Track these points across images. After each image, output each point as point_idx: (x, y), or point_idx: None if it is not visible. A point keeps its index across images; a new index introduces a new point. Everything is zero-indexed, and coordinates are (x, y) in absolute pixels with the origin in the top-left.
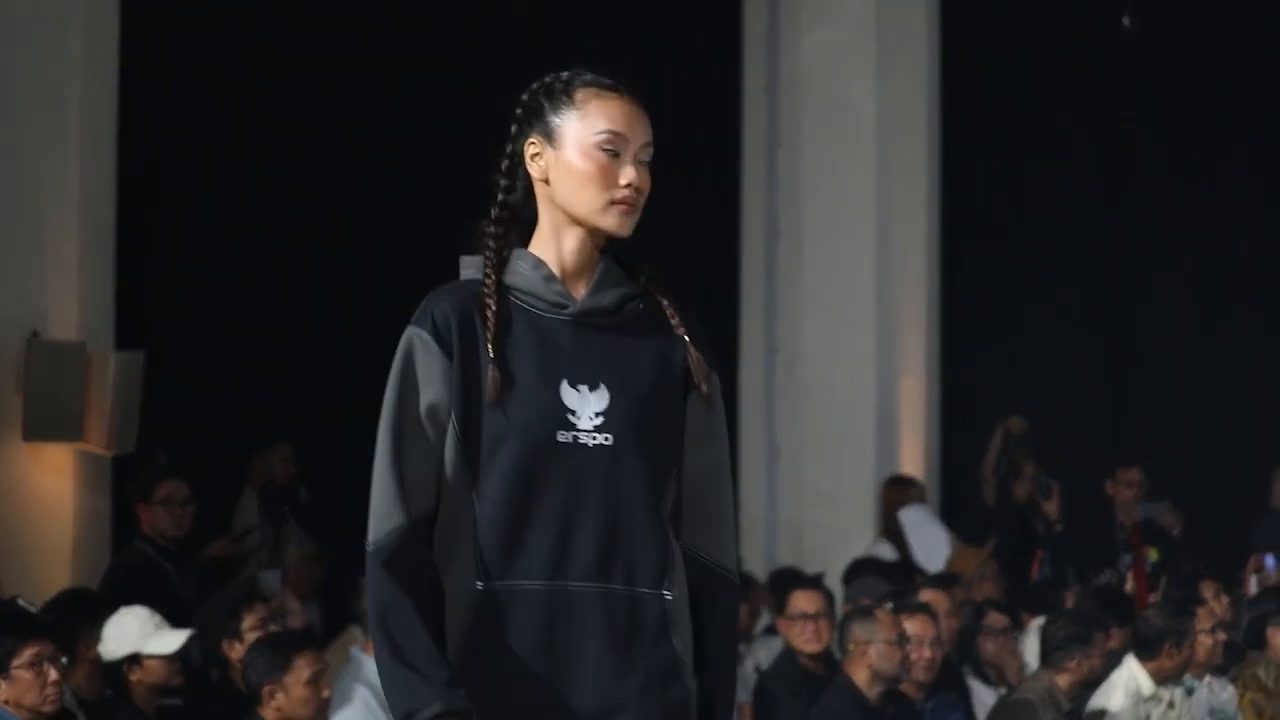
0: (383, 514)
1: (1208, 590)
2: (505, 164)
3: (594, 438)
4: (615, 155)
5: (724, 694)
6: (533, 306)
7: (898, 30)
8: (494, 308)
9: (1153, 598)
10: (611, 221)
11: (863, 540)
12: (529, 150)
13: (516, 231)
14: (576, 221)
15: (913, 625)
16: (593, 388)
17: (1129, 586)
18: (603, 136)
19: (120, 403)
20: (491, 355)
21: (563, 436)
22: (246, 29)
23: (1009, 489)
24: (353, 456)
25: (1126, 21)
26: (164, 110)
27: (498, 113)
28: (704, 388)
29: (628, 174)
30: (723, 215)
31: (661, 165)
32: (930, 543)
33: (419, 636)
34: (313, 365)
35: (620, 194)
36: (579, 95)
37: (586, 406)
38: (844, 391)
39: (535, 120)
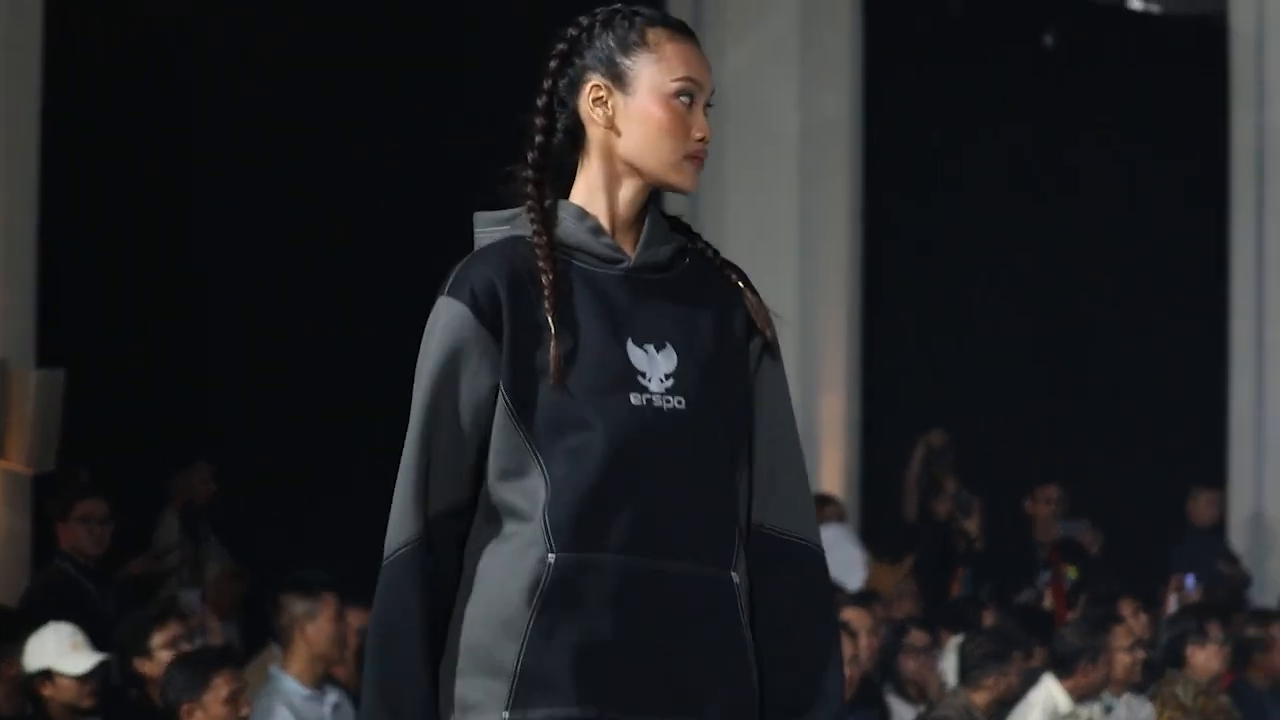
0: (398, 519)
1: (1126, 608)
2: (544, 102)
3: (666, 401)
4: (690, 104)
5: (835, 681)
6: (583, 262)
7: (822, 44)
8: (551, 272)
9: (1071, 616)
10: (684, 177)
11: None
12: (591, 93)
13: (551, 179)
14: (639, 173)
15: None
16: (659, 348)
17: (1048, 604)
18: (680, 84)
19: (41, 421)
20: (552, 326)
21: (635, 399)
22: (170, 40)
23: (930, 505)
24: (274, 474)
25: (1049, 39)
26: (86, 124)
27: (429, 121)
28: (768, 332)
29: (701, 125)
30: None
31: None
32: (845, 562)
33: (413, 683)
34: (236, 383)
35: (694, 147)
36: (651, 36)
37: (655, 368)
38: None
39: (596, 60)
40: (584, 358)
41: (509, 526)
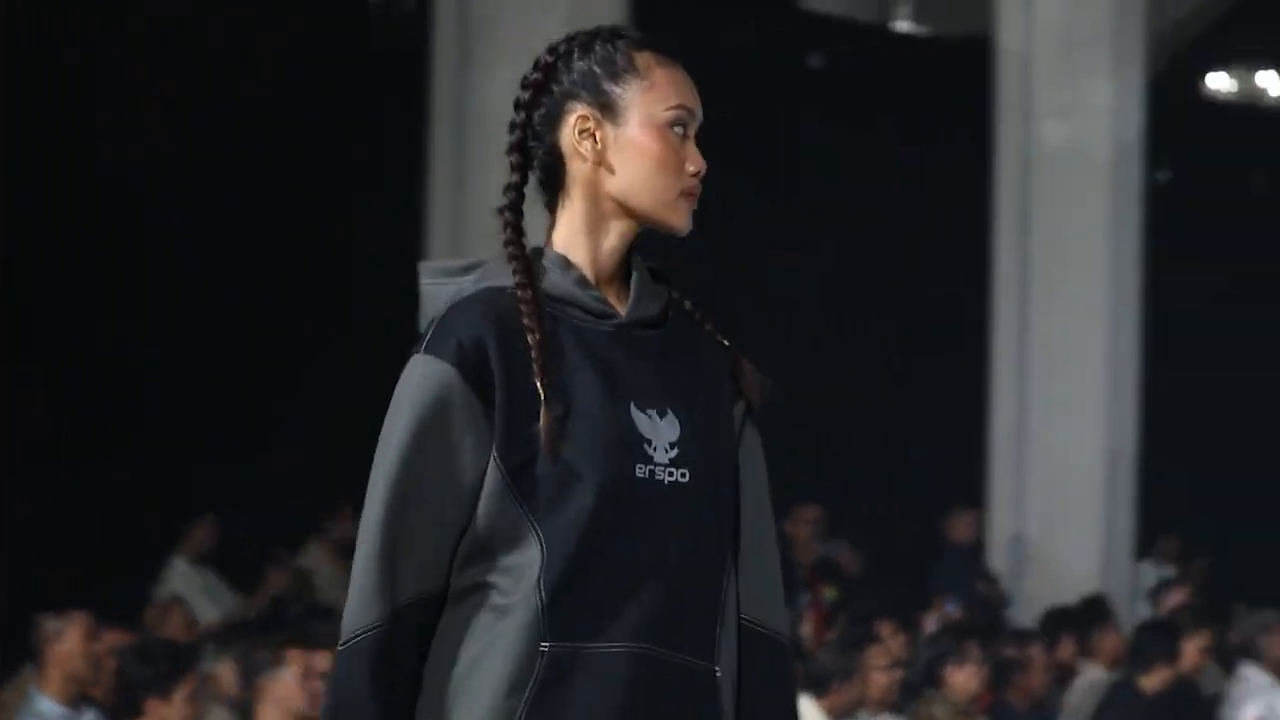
0: (359, 603)
1: (884, 629)
2: (518, 137)
3: (670, 473)
4: (683, 135)
5: None
6: (571, 317)
7: None
8: (539, 331)
9: (829, 636)
10: (679, 217)
11: None
12: (576, 125)
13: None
14: (630, 214)
15: None
16: (661, 414)
17: (808, 625)
18: (674, 113)
19: None
20: (542, 393)
21: (640, 470)
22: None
23: None
24: (31, 493)
25: (815, 61)
26: None
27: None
28: (754, 399)
29: (695, 158)
30: (408, 250)
31: (348, 193)
32: None
33: None
34: None
35: (689, 183)
36: (640, 61)
37: (660, 435)
38: None
39: (580, 88)
40: (584, 423)
41: (495, 606)
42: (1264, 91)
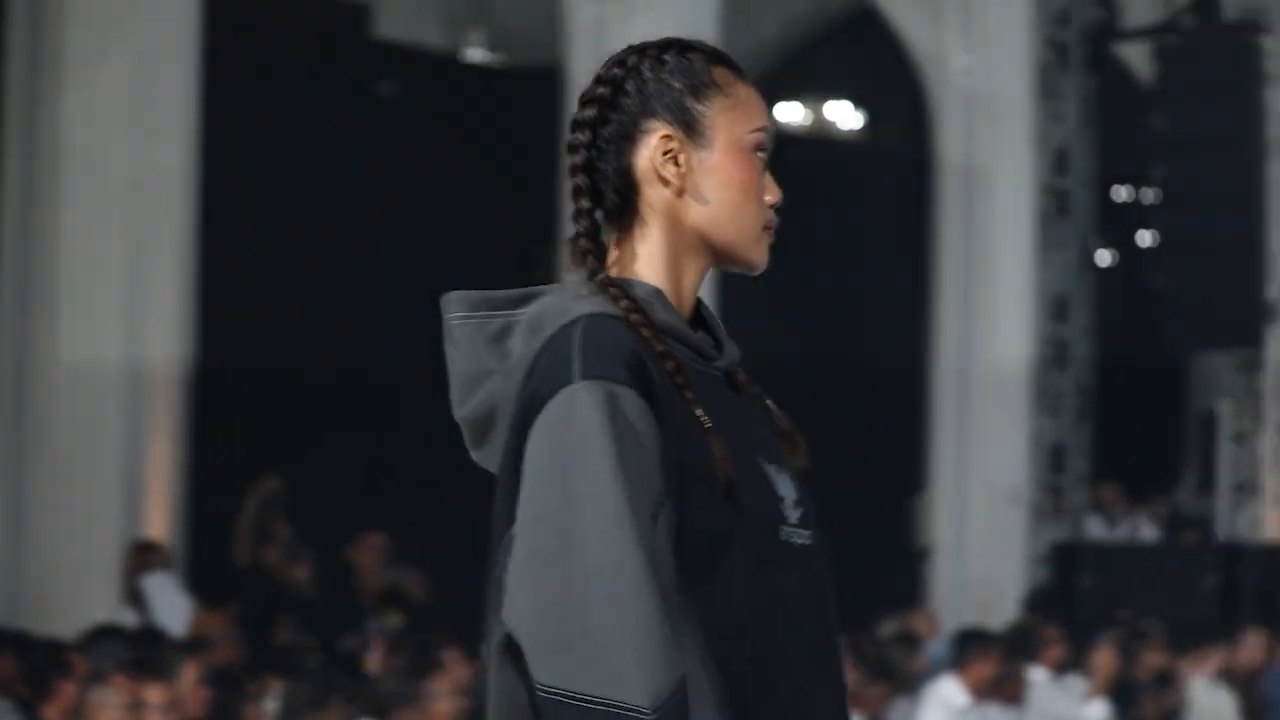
0: (654, 652)
1: (450, 656)
2: (583, 158)
3: (799, 535)
4: (765, 163)
5: None
6: (683, 355)
7: (159, 91)
8: (672, 358)
9: (395, 663)
10: (761, 253)
11: (106, 607)
12: (661, 145)
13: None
14: (711, 248)
15: (151, 692)
16: (779, 469)
17: (373, 653)
18: (759, 136)
19: None
20: (704, 419)
21: (782, 532)
22: None
23: (261, 552)
24: None
25: (386, 88)
26: None
27: None
28: (803, 460)
29: (774, 189)
30: None
31: None
32: (171, 609)
33: None
34: None
35: (769, 215)
36: (719, 76)
37: (788, 492)
38: (90, 457)
39: (658, 105)
40: (738, 476)
41: None
42: (834, 124)
